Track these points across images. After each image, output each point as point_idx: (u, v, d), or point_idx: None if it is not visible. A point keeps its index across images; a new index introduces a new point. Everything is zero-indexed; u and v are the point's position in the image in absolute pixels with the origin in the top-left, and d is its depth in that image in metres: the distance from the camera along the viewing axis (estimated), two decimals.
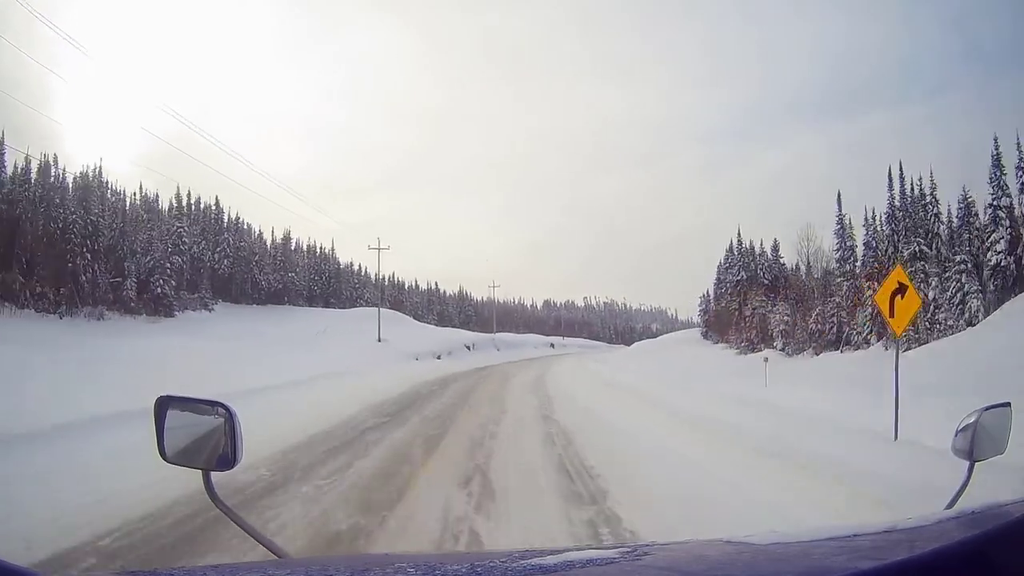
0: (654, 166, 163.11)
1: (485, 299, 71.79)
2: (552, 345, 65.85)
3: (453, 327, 58.60)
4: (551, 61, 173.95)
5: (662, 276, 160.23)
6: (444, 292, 71.57)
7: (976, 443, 1.31)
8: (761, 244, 35.49)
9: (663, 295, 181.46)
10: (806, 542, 0.89)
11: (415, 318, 58.29)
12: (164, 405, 1.30)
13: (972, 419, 1.33)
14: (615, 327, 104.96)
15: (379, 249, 36.27)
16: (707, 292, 45.71)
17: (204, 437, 1.27)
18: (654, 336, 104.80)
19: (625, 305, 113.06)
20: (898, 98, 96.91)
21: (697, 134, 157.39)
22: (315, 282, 46.87)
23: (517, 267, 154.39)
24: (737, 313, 32.61)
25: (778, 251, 34.64)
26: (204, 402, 1.30)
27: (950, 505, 1.20)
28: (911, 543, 0.75)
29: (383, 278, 59.44)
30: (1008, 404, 1.42)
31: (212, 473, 1.27)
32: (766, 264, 34.16)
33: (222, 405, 1.28)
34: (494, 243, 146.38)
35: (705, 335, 43.18)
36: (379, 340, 30.04)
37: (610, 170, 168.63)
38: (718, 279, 41.52)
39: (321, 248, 49.60)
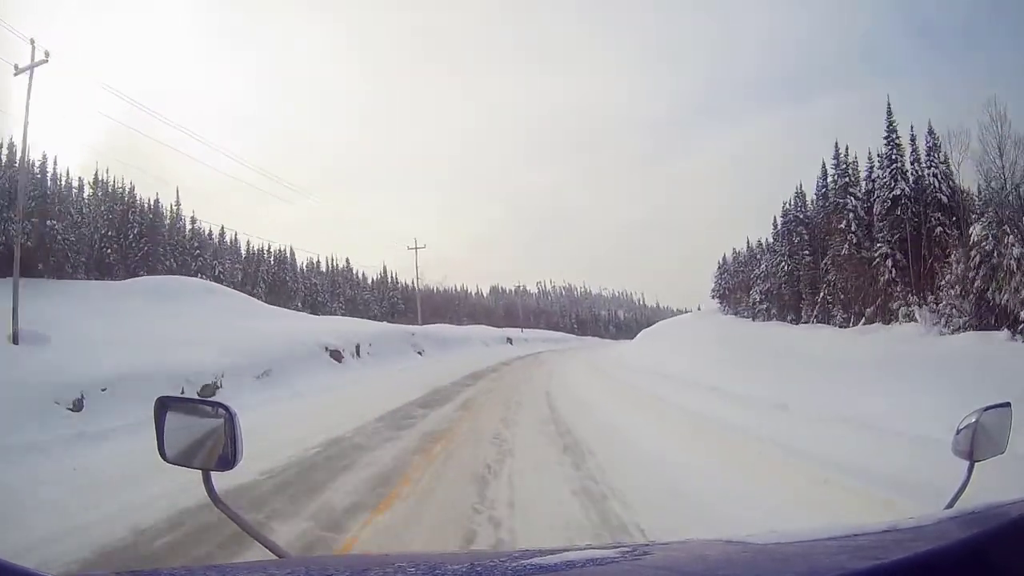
0: (606, 151, 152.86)
1: (422, 285, 51.56)
2: (510, 340, 48.47)
3: (370, 318, 40.43)
4: (490, 48, 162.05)
5: (622, 261, 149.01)
6: (360, 274, 52.97)
7: (976, 443, 1.28)
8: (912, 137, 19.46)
9: (625, 280, 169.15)
10: (806, 542, 0.87)
11: (312, 310, 39.71)
12: (164, 406, 1.27)
13: (972, 419, 1.29)
14: (577, 315, 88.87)
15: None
16: (760, 242, 29.99)
17: (204, 437, 1.23)
18: (620, 324, 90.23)
19: (586, 290, 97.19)
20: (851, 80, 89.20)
21: (650, 117, 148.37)
22: (110, 241, 27.51)
23: (462, 258, 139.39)
24: (922, 255, 16.50)
25: (938, 152, 18.92)
26: (204, 403, 1.30)
27: (950, 505, 1.17)
28: (911, 543, 0.74)
29: (256, 249, 40.28)
30: (1008, 404, 1.39)
31: (212, 473, 1.22)
32: (927, 173, 18.23)
33: (222, 406, 1.24)
34: (435, 236, 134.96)
35: (765, 312, 27.35)
36: (14, 340, 11.27)
37: (556, 157, 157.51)
38: (790, 219, 25.72)
39: (146, 198, 29.98)
